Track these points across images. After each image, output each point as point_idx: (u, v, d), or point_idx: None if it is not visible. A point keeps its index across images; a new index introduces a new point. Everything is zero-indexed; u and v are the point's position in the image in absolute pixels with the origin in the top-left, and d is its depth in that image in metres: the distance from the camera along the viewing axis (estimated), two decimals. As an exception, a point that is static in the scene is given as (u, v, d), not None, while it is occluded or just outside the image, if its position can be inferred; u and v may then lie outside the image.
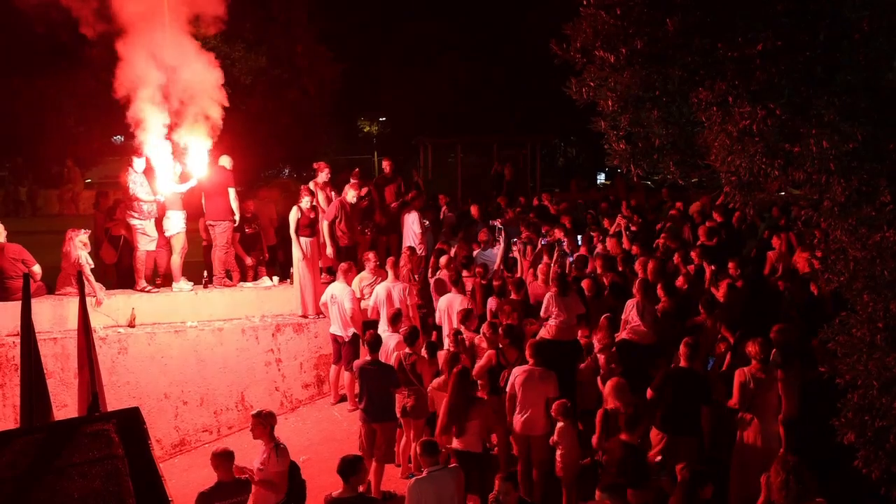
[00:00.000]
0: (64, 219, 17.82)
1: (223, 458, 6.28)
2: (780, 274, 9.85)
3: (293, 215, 10.86)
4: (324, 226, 11.23)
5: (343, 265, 10.39)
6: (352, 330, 10.08)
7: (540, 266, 10.11)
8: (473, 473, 6.67)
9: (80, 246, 9.97)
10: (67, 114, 16.23)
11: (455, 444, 7.15)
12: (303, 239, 10.86)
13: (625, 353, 8.24)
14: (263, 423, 6.74)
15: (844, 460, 5.09)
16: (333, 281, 10.48)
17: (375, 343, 8.34)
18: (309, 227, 10.91)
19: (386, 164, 13.35)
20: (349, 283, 10.24)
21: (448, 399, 7.22)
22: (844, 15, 4.69)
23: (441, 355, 8.44)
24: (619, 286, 9.48)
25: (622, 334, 8.61)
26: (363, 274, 10.73)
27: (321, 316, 10.86)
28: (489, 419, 7.35)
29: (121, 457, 3.19)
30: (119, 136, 18.63)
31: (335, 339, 10.35)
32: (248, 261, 11.86)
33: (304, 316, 11.01)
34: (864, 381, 4.89)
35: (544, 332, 8.86)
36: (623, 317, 8.69)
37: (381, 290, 9.98)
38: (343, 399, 10.59)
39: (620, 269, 10.16)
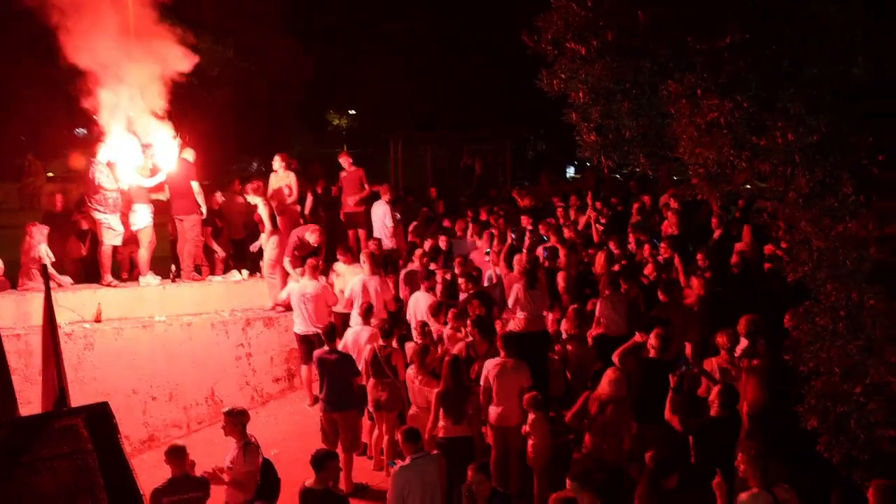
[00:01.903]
0: (25, 213, 17.44)
1: (174, 454, 6.19)
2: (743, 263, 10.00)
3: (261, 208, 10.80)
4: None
5: (311, 261, 10.13)
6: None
7: (516, 258, 10.07)
8: (466, 458, 6.70)
9: (39, 240, 9.85)
10: (27, 104, 15.90)
11: (449, 430, 7.18)
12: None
13: (601, 348, 8.34)
14: (235, 421, 6.67)
15: (808, 446, 5.22)
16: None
17: (332, 332, 8.32)
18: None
19: (344, 160, 13.00)
20: (316, 279, 9.98)
21: (441, 388, 7.25)
22: (811, 10, 4.78)
23: (409, 347, 8.45)
24: (587, 276, 9.62)
25: (598, 329, 8.73)
26: (338, 266, 10.68)
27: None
28: (479, 406, 7.47)
29: (90, 451, 3.15)
30: (82, 129, 18.28)
31: (305, 338, 9.95)
32: (221, 253, 11.75)
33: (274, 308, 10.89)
34: (826, 369, 5.02)
35: (513, 325, 8.91)
36: (596, 314, 8.81)
37: (356, 282, 9.85)
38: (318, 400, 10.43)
39: (586, 260, 10.30)
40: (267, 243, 10.84)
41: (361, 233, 12.75)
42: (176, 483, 6.06)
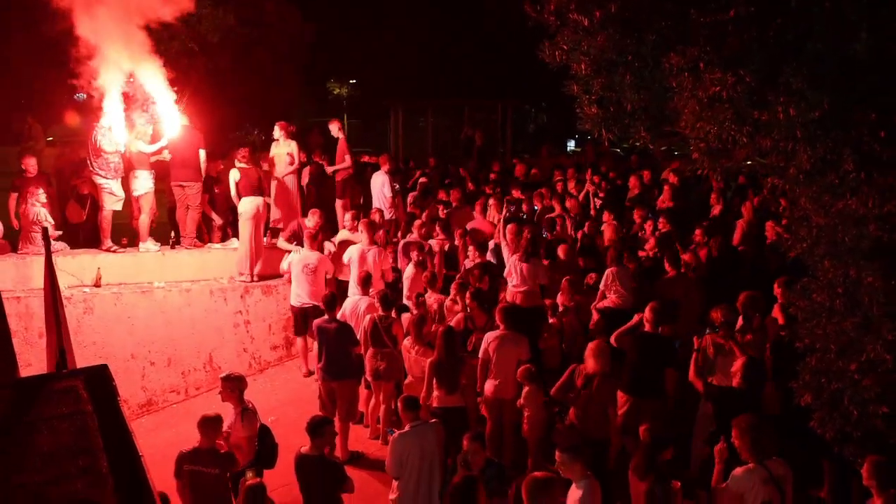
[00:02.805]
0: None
1: (205, 425, 6.12)
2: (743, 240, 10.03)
3: (233, 175, 10.70)
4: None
5: (308, 231, 10.09)
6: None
7: (509, 228, 10.07)
8: (460, 428, 6.77)
9: (37, 204, 9.86)
10: (25, 67, 15.71)
11: (443, 401, 7.24)
12: (248, 199, 10.60)
13: (609, 320, 8.34)
14: (232, 386, 6.72)
15: (801, 421, 5.26)
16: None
17: (332, 301, 8.35)
18: (257, 187, 10.72)
19: (332, 127, 12.56)
20: (315, 249, 9.91)
21: (435, 358, 7.29)
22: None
23: (406, 317, 8.49)
24: (587, 248, 9.63)
25: (605, 302, 8.75)
26: (343, 233, 10.69)
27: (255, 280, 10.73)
28: (473, 378, 7.52)
29: (90, 412, 3.17)
30: (82, 94, 18.14)
31: (301, 310, 9.84)
32: (219, 221, 11.74)
33: (250, 278, 10.79)
34: (822, 345, 5.03)
35: (509, 298, 8.93)
36: (601, 286, 8.82)
37: (355, 251, 9.82)
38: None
39: (586, 231, 10.31)
40: (244, 208, 10.64)
41: (340, 203, 12.48)
42: (201, 453, 6.05)
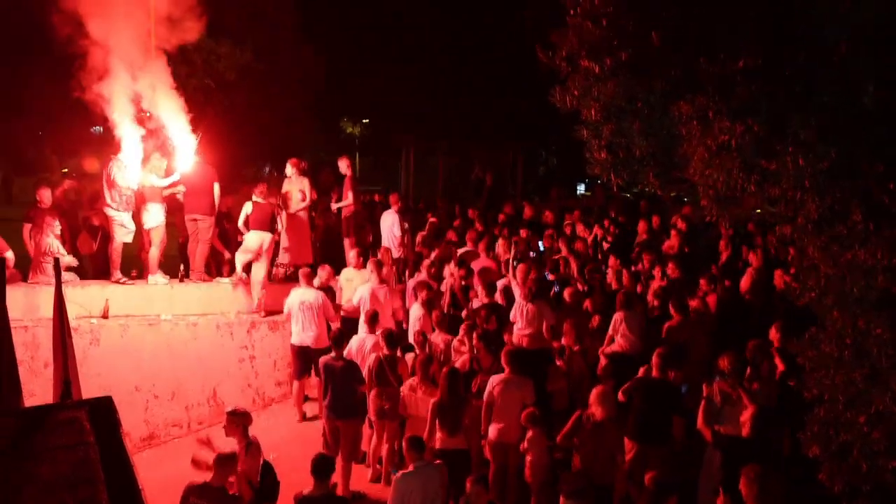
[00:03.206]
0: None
1: (220, 463, 6.04)
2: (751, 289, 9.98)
3: (245, 208, 10.86)
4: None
5: (304, 270, 10.10)
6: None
7: (520, 268, 10.08)
8: (462, 471, 6.69)
9: (51, 235, 9.97)
10: (44, 100, 16.00)
11: (445, 443, 7.17)
12: (256, 233, 10.69)
13: (617, 366, 8.28)
14: (237, 421, 6.70)
15: (810, 472, 5.19)
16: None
17: (340, 339, 8.31)
18: (269, 222, 10.82)
19: (342, 164, 12.54)
20: (311, 286, 9.93)
21: (438, 399, 7.24)
22: (824, 37, 4.79)
23: (410, 357, 8.46)
24: (592, 291, 9.66)
25: (612, 347, 8.71)
26: (348, 270, 10.71)
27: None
28: (477, 419, 7.43)
29: (92, 444, 3.18)
30: (98, 127, 18.42)
31: (301, 349, 9.86)
32: (228, 255, 11.81)
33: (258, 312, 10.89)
34: (830, 396, 4.98)
35: (515, 340, 8.89)
36: (609, 331, 8.79)
37: (365, 290, 9.84)
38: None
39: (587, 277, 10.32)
40: (250, 241, 10.75)
41: (348, 241, 12.47)
42: (209, 490, 5.94)
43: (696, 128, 5.13)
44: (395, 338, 8.44)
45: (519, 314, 8.96)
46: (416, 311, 9.61)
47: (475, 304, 9.77)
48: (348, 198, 12.34)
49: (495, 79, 25.69)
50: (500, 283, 10.32)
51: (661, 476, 6.47)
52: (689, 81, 5.16)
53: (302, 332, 9.80)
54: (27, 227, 10.30)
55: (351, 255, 11.02)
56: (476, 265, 10.87)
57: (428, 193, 20.05)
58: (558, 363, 8.48)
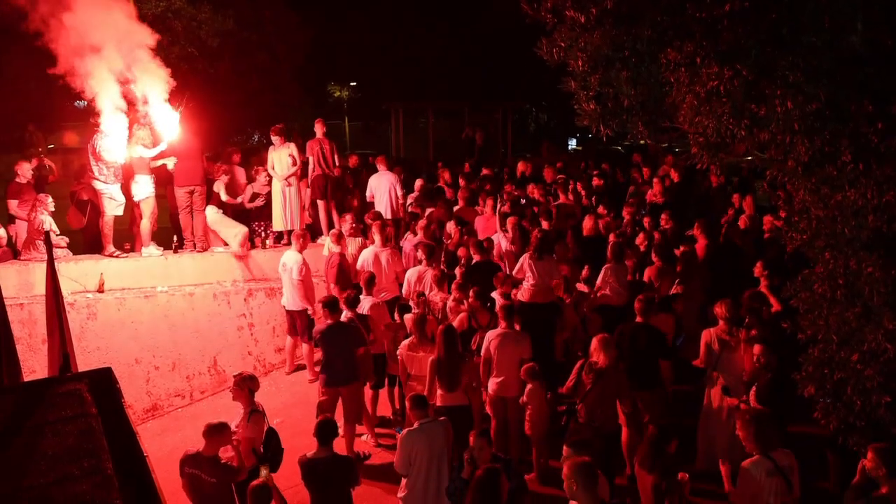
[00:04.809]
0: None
1: (210, 432, 6.06)
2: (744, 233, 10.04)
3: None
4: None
5: (297, 232, 10.16)
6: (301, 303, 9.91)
7: (509, 221, 10.07)
8: (462, 427, 6.77)
9: (45, 212, 9.91)
10: (27, 76, 15.75)
11: (445, 399, 7.24)
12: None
13: (605, 317, 8.36)
14: (241, 385, 6.71)
15: (805, 412, 5.28)
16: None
17: (335, 304, 8.25)
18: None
19: (317, 127, 12.00)
20: (301, 251, 9.96)
21: (435, 357, 7.29)
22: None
23: (408, 318, 8.47)
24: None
25: (598, 298, 8.77)
26: (327, 239, 10.70)
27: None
28: (474, 376, 7.51)
29: (94, 415, 3.20)
30: (82, 101, 18.18)
31: (288, 313, 10.15)
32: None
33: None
34: (824, 336, 5.05)
35: (520, 295, 8.91)
36: (598, 282, 8.84)
37: (368, 253, 9.86)
38: (298, 368, 10.58)
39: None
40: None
41: (321, 204, 12.16)
42: (202, 459, 5.99)
43: (685, 75, 5.10)
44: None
45: (529, 270, 8.91)
46: (414, 271, 9.59)
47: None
48: (309, 161, 11.83)
49: (482, 35, 25.42)
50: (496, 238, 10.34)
51: (659, 420, 6.57)
52: (675, 28, 5.11)
53: (285, 295, 10.08)
54: (11, 203, 10.31)
55: (347, 219, 10.93)
56: (477, 224, 10.89)
57: (418, 154, 19.90)
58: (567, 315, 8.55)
